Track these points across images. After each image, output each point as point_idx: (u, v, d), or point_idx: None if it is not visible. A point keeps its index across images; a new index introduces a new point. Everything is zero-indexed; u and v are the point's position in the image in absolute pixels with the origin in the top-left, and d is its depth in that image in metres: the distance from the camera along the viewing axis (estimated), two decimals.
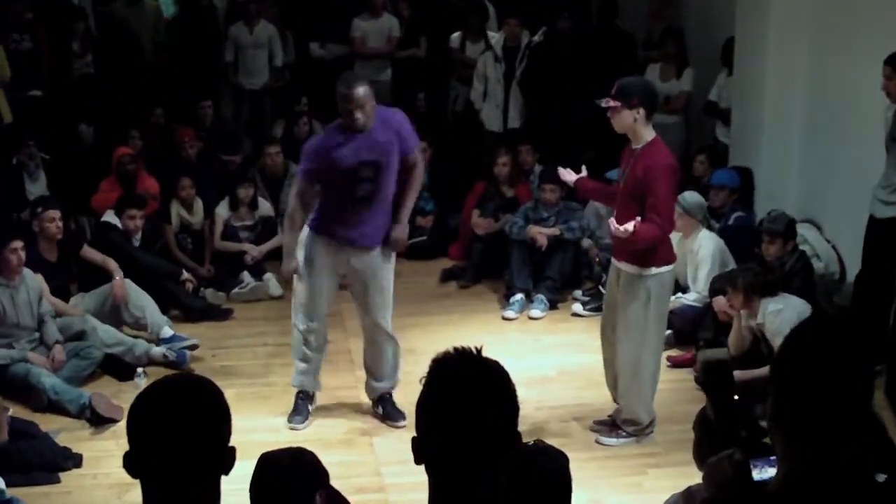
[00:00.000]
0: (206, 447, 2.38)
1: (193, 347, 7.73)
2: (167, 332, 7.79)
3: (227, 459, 2.44)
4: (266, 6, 11.63)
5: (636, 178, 6.03)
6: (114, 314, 7.86)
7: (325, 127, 6.57)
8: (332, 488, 3.97)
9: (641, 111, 5.98)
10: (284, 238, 6.85)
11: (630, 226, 5.83)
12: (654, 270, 6.14)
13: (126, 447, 2.40)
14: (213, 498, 2.42)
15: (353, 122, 6.33)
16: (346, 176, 6.37)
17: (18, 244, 7.15)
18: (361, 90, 6.33)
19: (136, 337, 7.76)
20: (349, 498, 4.15)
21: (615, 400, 6.62)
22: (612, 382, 6.56)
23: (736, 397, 2.45)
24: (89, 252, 8.04)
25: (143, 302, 7.88)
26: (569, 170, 6.61)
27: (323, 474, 3.93)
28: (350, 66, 11.66)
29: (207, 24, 12.04)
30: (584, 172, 6.58)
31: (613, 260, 6.36)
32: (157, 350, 7.61)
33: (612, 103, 6.00)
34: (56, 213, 7.85)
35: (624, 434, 6.44)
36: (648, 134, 6.08)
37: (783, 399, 2.28)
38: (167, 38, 12.25)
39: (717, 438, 3.96)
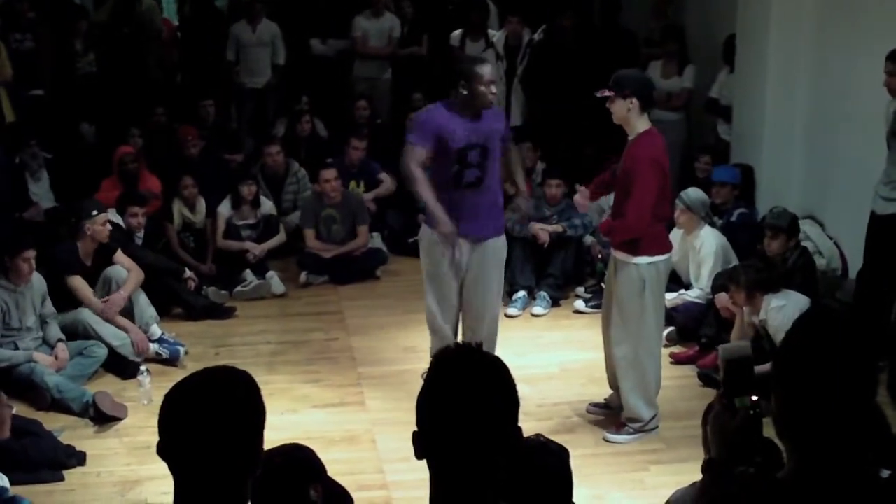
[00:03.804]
0: (236, 441, 2.38)
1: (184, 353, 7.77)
2: (155, 331, 7.80)
3: (256, 459, 2.43)
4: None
5: (624, 169, 6.14)
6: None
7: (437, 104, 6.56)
8: (330, 480, 3.96)
9: (635, 101, 6.05)
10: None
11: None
12: (646, 259, 6.18)
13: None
14: (240, 496, 2.41)
15: (486, 98, 6.40)
16: (455, 157, 6.43)
17: (31, 253, 7.16)
18: (491, 67, 6.57)
19: None
20: (352, 495, 4.15)
21: (611, 387, 6.69)
22: (612, 374, 6.60)
23: (755, 398, 2.45)
24: (121, 257, 8.00)
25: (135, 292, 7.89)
26: (581, 190, 6.65)
27: (319, 468, 3.91)
28: (351, 62, 11.71)
29: (213, 22, 12.08)
30: (584, 189, 6.65)
31: (612, 251, 6.41)
32: (151, 346, 7.64)
33: (607, 93, 6.09)
34: (107, 216, 7.90)
35: (630, 430, 6.46)
36: (642, 125, 6.14)
37: (786, 394, 2.28)
38: (181, 39, 12.30)
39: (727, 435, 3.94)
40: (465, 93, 6.36)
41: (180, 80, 11.95)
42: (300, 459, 3.88)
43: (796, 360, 2.28)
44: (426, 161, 6.51)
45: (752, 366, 2.55)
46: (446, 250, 6.51)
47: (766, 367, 2.42)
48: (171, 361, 7.63)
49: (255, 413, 2.43)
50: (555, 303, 8.65)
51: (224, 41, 11.66)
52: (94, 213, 7.80)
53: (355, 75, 11.73)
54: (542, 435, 3.60)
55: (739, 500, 2.37)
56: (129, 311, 7.83)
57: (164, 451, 2.40)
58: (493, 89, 6.46)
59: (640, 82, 6.26)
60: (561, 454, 3.53)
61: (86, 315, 7.58)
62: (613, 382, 6.63)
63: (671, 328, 7.74)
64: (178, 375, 6.59)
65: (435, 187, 6.43)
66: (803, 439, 2.26)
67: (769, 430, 2.41)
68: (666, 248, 6.34)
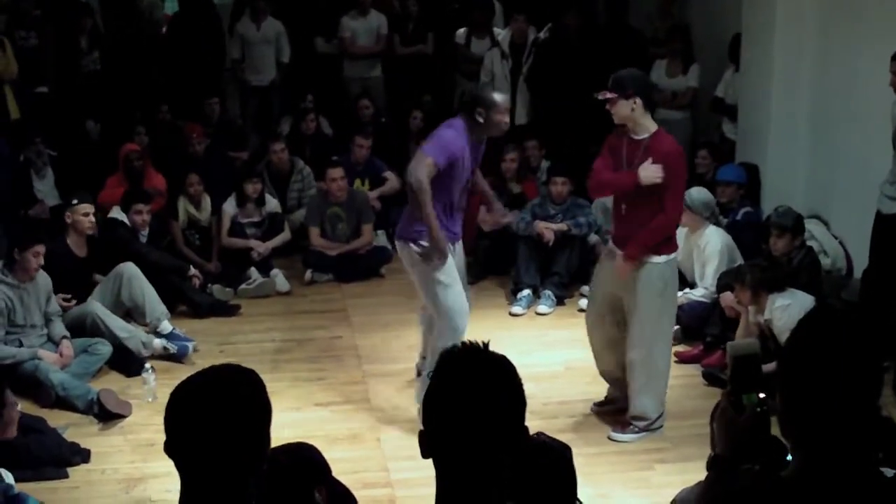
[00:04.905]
0: (242, 439, 2.38)
1: (193, 349, 7.77)
2: (166, 326, 7.82)
3: (262, 456, 2.43)
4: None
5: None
6: (114, 299, 7.87)
7: (450, 127, 6.43)
8: (333, 480, 3.95)
9: (638, 101, 6.04)
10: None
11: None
12: (664, 258, 6.19)
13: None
14: (245, 494, 2.42)
15: (502, 128, 6.49)
16: (463, 182, 6.44)
17: (41, 248, 7.19)
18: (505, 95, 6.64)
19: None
20: (356, 493, 4.14)
21: (608, 381, 6.70)
22: (611, 368, 6.60)
23: (763, 395, 2.44)
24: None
25: (144, 289, 7.90)
26: None
27: (323, 468, 3.90)
28: (341, 63, 11.73)
29: (209, 20, 12.06)
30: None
31: (619, 251, 6.29)
32: (158, 342, 7.66)
33: (608, 95, 6.07)
34: (90, 208, 7.95)
35: (636, 429, 6.45)
36: (651, 123, 6.13)
37: (791, 393, 2.28)
38: (166, 34, 12.28)
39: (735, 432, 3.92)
40: (481, 120, 6.34)
41: (161, 77, 11.90)
42: (306, 459, 3.87)
43: (802, 358, 2.28)
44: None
45: (759, 362, 2.55)
46: (436, 261, 6.42)
47: (771, 366, 2.43)
48: (178, 358, 7.63)
49: (261, 411, 2.43)
50: (559, 301, 8.64)
51: (219, 38, 11.66)
52: (74, 202, 7.88)
53: (346, 75, 11.74)
54: (543, 433, 3.59)
55: (743, 497, 2.36)
56: (140, 309, 7.86)
57: (170, 448, 2.41)
58: (507, 118, 6.51)
59: (641, 81, 6.26)
60: (564, 452, 3.52)
61: (95, 307, 7.60)
62: (612, 377, 6.64)
63: (676, 327, 7.73)
64: (182, 372, 6.58)
65: (435, 206, 6.33)
66: (808, 438, 2.26)
67: (776, 429, 2.41)
68: (676, 245, 6.35)
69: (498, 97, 6.44)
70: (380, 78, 11.82)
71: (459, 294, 6.55)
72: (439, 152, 6.25)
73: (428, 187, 6.21)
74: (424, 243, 6.37)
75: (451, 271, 6.49)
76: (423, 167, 6.21)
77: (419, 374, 7.09)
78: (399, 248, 6.68)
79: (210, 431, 2.36)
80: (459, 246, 6.74)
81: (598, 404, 6.80)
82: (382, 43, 11.65)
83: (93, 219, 7.94)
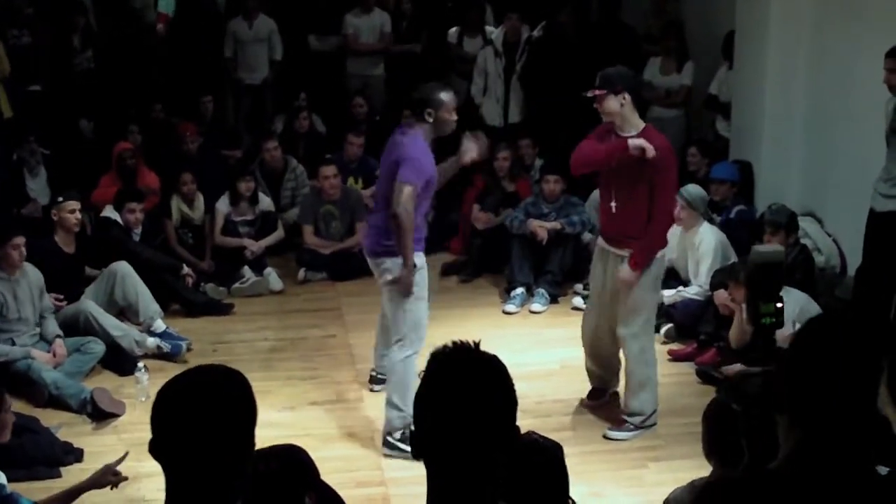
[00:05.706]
0: (227, 439, 2.38)
1: (187, 348, 7.76)
2: (159, 325, 7.82)
3: (247, 456, 2.43)
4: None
5: (642, 162, 6.01)
6: (107, 297, 7.87)
7: (404, 135, 6.17)
8: (322, 483, 3.94)
9: (627, 96, 6.05)
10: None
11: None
12: (659, 253, 6.22)
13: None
14: (230, 494, 2.41)
15: (451, 126, 6.20)
16: (431, 195, 6.26)
17: (20, 240, 7.17)
18: (454, 93, 6.34)
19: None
20: (350, 492, 4.14)
21: (594, 380, 6.77)
22: (604, 364, 6.67)
23: (780, 305, 2.41)
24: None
25: (138, 287, 7.89)
26: None
27: (314, 472, 3.90)
28: (344, 60, 11.72)
29: (210, 20, 12.04)
30: None
31: (612, 249, 6.33)
32: (152, 340, 7.65)
33: (597, 92, 6.06)
34: (76, 205, 7.91)
35: (631, 427, 6.45)
36: (638, 121, 6.14)
37: (791, 384, 2.28)
38: (166, 33, 12.27)
39: (728, 430, 3.93)
40: (430, 120, 6.08)
41: (160, 75, 11.89)
42: (297, 463, 3.85)
43: (802, 357, 2.29)
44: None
45: (782, 271, 2.50)
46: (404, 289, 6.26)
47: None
48: (172, 357, 7.62)
49: (246, 411, 2.43)
50: (553, 300, 8.64)
51: (217, 37, 11.65)
52: (60, 199, 7.88)
53: (348, 72, 11.73)
54: (534, 432, 3.59)
55: (737, 491, 2.36)
56: (134, 308, 7.85)
57: (155, 448, 2.40)
58: (455, 117, 6.21)
59: (630, 77, 6.27)
60: (555, 451, 3.52)
61: (88, 306, 7.58)
62: (599, 371, 6.72)
63: (670, 325, 7.75)
64: (176, 372, 6.56)
65: (416, 217, 6.15)
66: (802, 428, 2.26)
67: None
68: (666, 241, 6.37)
69: (445, 96, 6.15)
70: (381, 76, 11.81)
71: (426, 306, 6.42)
72: (417, 176, 6.01)
73: (411, 219, 6.01)
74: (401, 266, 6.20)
75: (425, 284, 6.38)
76: (408, 198, 5.97)
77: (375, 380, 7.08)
78: (373, 264, 6.46)
79: (195, 432, 2.36)
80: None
81: (590, 397, 6.81)
82: (386, 41, 11.65)
83: (79, 215, 7.92)
